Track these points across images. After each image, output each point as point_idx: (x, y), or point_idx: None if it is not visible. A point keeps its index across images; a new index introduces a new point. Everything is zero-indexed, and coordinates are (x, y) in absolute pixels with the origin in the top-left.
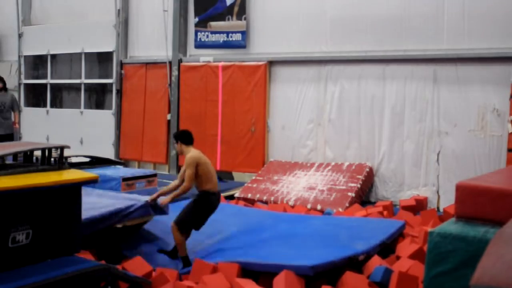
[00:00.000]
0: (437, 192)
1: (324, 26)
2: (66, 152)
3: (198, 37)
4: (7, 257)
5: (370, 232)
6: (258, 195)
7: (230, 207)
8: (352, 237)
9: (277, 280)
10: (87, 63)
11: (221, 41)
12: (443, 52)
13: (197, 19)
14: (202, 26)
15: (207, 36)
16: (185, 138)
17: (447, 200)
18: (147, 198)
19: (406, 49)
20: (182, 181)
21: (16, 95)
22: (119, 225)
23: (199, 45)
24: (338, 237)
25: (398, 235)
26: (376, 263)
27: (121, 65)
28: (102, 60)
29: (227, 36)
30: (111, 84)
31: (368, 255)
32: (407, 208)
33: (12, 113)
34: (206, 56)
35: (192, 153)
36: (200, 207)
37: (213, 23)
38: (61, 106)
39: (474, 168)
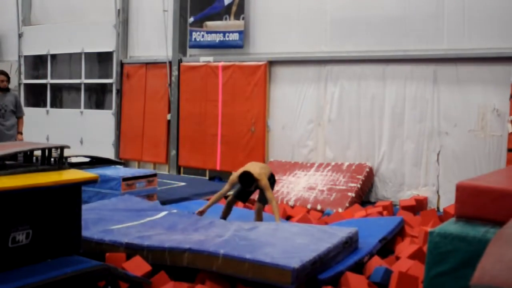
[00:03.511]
0: (437, 192)
1: (324, 26)
2: (66, 152)
3: (193, 37)
4: (7, 257)
5: (369, 231)
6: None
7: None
8: None
9: None
10: (87, 63)
11: (217, 41)
12: (443, 52)
13: (192, 19)
14: (197, 26)
15: (203, 36)
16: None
17: (447, 200)
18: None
19: (406, 49)
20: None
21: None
22: None
23: (194, 45)
24: None
25: (399, 230)
26: (376, 264)
27: (121, 65)
28: (102, 60)
29: (224, 36)
30: (111, 84)
31: (372, 255)
32: (407, 208)
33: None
34: (206, 56)
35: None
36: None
37: (209, 23)
38: (61, 106)
39: (474, 168)
